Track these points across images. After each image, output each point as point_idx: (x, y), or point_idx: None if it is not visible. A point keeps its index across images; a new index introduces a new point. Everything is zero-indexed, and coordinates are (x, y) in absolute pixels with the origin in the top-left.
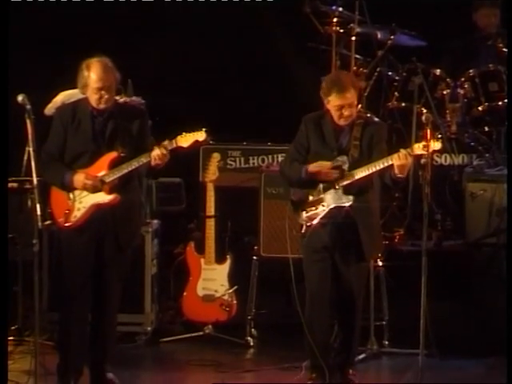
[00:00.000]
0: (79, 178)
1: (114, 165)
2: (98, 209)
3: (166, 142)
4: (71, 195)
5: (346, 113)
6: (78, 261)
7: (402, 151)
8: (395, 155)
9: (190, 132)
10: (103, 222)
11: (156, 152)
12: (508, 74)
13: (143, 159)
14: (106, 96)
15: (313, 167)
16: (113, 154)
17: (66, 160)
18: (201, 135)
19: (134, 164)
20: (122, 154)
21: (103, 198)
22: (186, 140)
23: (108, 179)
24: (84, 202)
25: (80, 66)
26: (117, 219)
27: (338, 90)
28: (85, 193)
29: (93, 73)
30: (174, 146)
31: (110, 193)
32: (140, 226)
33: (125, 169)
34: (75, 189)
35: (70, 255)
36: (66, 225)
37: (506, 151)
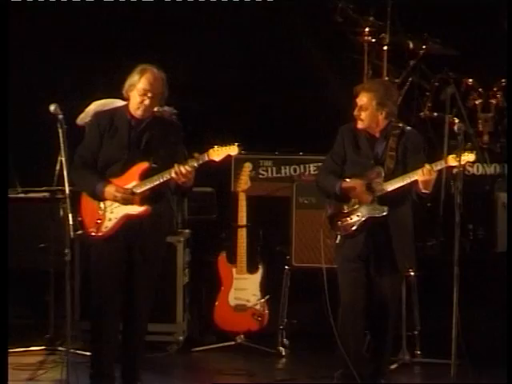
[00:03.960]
0: (110, 190)
1: (145, 175)
2: (128, 219)
3: (195, 156)
4: (102, 205)
5: (356, 112)
6: (108, 269)
7: (427, 166)
8: (419, 171)
9: (222, 145)
10: (131, 232)
11: (176, 168)
12: (507, 73)
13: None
14: (147, 103)
15: (347, 184)
16: (144, 165)
17: (99, 166)
18: (233, 149)
19: (165, 176)
20: (153, 165)
21: (134, 209)
22: (217, 154)
23: (139, 190)
24: (115, 212)
25: (133, 68)
26: (144, 229)
27: (362, 88)
28: (116, 203)
29: (144, 77)
30: (206, 159)
31: (141, 204)
32: (166, 237)
33: (156, 180)
34: (106, 199)
35: (99, 264)
36: (97, 235)
37: (506, 150)
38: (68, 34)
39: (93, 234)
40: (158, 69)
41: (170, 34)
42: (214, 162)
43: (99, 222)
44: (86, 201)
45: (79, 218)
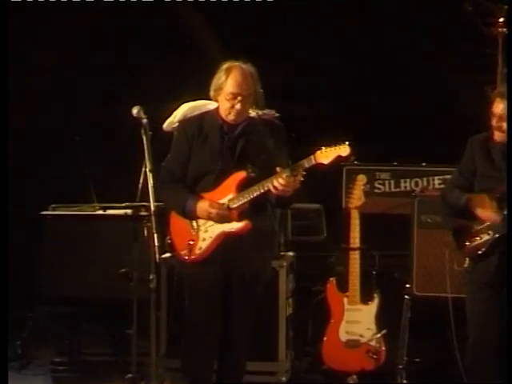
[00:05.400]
0: (203, 206)
1: (242, 187)
2: (225, 238)
3: (298, 164)
4: (195, 223)
5: (496, 123)
6: (204, 299)
7: None
8: None
9: (330, 146)
10: (230, 253)
11: (274, 182)
12: (508, 74)
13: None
14: (239, 107)
15: (473, 196)
16: (241, 174)
17: (189, 180)
18: (344, 150)
19: (266, 186)
20: (252, 175)
21: (232, 225)
22: (326, 156)
23: (236, 204)
24: (210, 230)
25: (219, 67)
26: (244, 250)
27: (498, 95)
28: (211, 221)
29: (231, 78)
30: (313, 162)
31: (239, 219)
32: (271, 258)
33: (256, 191)
34: (199, 217)
35: (193, 292)
36: (190, 258)
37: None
38: (154, 30)
39: (185, 257)
40: (245, 63)
41: (269, 32)
42: (323, 165)
43: (192, 243)
44: (176, 219)
45: (168, 240)
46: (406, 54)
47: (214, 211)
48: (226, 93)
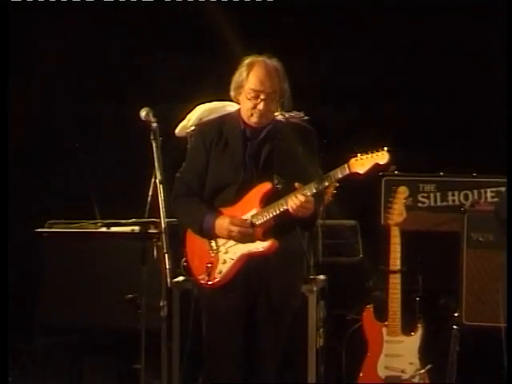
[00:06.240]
0: (223, 223)
1: (267, 200)
2: (249, 260)
3: (329, 175)
4: (214, 243)
5: None
6: (225, 329)
7: None
8: None
9: (366, 153)
10: (254, 277)
11: (291, 200)
12: (507, 75)
13: (307, 192)
14: (262, 107)
15: None
16: (266, 186)
17: (207, 193)
18: (382, 157)
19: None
20: (278, 187)
21: (256, 245)
22: (362, 164)
23: (260, 221)
24: (231, 251)
25: (240, 63)
26: (271, 273)
27: None
28: (232, 240)
29: (253, 73)
30: (348, 172)
31: (264, 238)
32: (301, 282)
33: (283, 206)
34: (218, 236)
35: (213, 322)
36: (209, 283)
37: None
38: (167, 22)
39: (203, 282)
40: (270, 58)
41: (295, 28)
42: (358, 175)
43: (211, 266)
44: (193, 238)
45: (184, 263)
46: (452, 53)
47: (235, 229)
48: (247, 90)
